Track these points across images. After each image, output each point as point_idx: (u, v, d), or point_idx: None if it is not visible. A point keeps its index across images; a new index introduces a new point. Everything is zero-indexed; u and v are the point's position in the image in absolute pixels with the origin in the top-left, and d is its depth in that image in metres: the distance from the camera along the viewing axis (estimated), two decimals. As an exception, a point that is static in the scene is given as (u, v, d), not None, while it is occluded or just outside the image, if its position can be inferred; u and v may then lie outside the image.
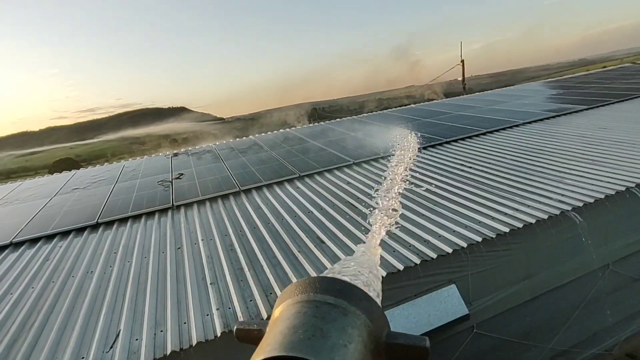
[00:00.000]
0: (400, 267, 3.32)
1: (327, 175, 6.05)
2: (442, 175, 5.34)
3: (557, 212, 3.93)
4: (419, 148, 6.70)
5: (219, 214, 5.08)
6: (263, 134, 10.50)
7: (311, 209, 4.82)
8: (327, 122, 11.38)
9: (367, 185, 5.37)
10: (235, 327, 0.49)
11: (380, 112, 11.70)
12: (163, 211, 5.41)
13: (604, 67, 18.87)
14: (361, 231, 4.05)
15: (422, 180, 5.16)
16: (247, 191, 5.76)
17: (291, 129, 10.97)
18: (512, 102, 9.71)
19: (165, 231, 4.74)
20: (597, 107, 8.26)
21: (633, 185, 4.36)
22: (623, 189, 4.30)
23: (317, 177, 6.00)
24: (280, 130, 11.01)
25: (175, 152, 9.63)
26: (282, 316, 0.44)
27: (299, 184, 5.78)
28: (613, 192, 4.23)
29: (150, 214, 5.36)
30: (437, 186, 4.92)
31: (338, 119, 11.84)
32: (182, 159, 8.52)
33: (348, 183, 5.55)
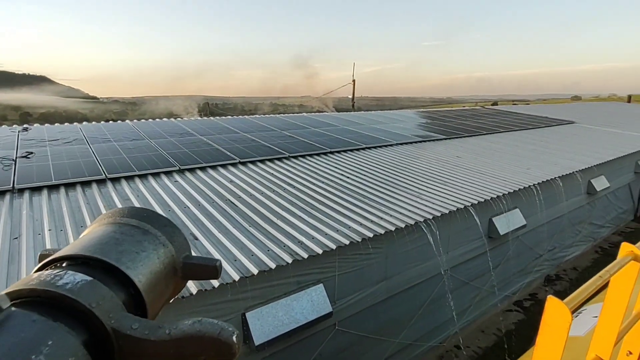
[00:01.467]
0: (273, 265, 3.38)
1: (210, 171, 5.83)
2: (321, 182, 5.64)
3: (412, 222, 4.52)
4: (303, 155, 6.96)
5: (75, 202, 4.42)
6: (144, 121, 9.55)
7: (188, 204, 4.56)
8: (219, 117, 10.98)
9: (251, 185, 5.34)
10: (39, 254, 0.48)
11: (273, 115, 11.80)
12: (-2, 194, 4.46)
13: (463, 107, 22.60)
14: (238, 229, 3.99)
15: (304, 186, 5.37)
16: (115, 180, 5.16)
17: (177, 119, 10.25)
18: (390, 124, 10.87)
19: (-2, 217, 3.91)
20: (453, 138, 9.81)
21: (469, 204, 5.29)
22: (462, 206, 5.18)
23: (199, 172, 5.72)
24: (165, 119, 10.19)
25: (25, 126, 8.08)
26: (96, 229, 0.49)
27: (177, 178, 5.42)
28: (454, 209, 5.05)
29: (-21, 196, 4.36)
30: (315, 192, 5.17)
31: (230, 116, 11.53)
32: (35, 136, 7.18)
33: (231, 181, 5.44)
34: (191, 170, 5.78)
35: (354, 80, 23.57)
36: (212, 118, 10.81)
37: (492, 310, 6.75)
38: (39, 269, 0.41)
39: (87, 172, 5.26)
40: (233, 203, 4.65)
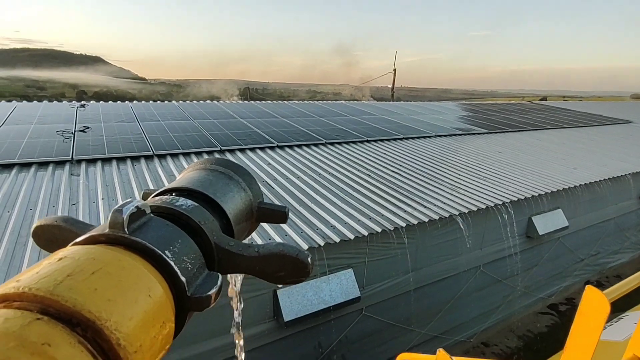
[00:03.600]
0: (305, 246, 3.50)
1: (249, 153, 6.02)
2: (357, 169, 5.68)
3: (447, 214, 4.47)
4: (340, 142, 7.01)
5: (126, 175, 4.75)
6: (189, 102, 9.97)
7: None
8: (259, 102, 11.22)
9: (287, 168, 5.47)
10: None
11: (311, 102, 11.88)
12: (59, 163, 4.87)
13: (509, 101, 21.60)
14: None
15: (339, 172, 5.43)
16: (162, 157, 5.47)
17: (219, 102, 10.58)
18: (430, 116, 10.63)
19: (59, 185, 4.29)
20: (496, 132, 9.46)
21: (508, 201, 5.14)
22: (500, 202, 5.05)
23: (239, 154, 5.93)
24: (208, 101, 10.55)
25: (83, 102, 8.66)
26: (181, 175, 0.59)
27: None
28: (492, 204, 4.93)
29: (43, 165, 4.79)
30: (350, 178, 5.23)
31: (269, 101, 11.74)
32: (91, 112, 7.70)
33: (268, 164, 5.60)
34: (231, 151, 6.01)
35: (394, 70, 23.07)
36: (252, 102, 11.06)
37: (524, 311, 6.57)
38: (157, 195, 0.51)
39: (137, 148, 5.61)
40: (269, 185, 4.81)
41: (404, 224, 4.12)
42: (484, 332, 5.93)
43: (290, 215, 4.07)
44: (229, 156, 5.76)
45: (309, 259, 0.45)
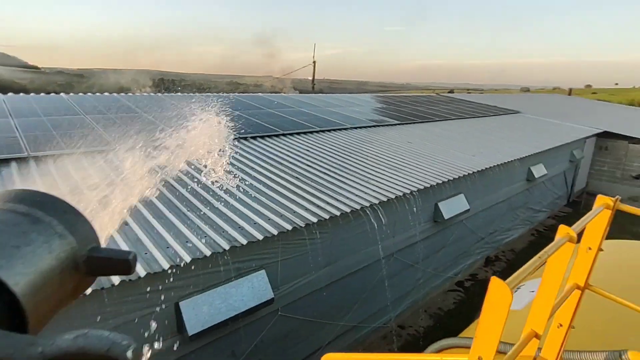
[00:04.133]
0: (208, 252, 3.23)
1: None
2: (270, 164, 5.48)
3: (358, 206, 4.52)
4: (254, 136, 6.74)
5: (-11, 182, 3.97)
6: (82, 94, 8.79)
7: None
8: (168, 94, 10.36)
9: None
10: None
11: (226, 94, 11.34)
12: None
13: (420, 93, 23.09)
14: (175, 214, 3.77)
15: (250, 168, 5.19)
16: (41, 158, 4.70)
17: (123, 94, 9.52)
18: (347, 108, 10.82)
19: None
20: (407, 124, 9.96)
21: (416, 189, 5.38)
22: (409, 191, 5.26)
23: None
24: (107, 93, 9.43)
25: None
26: None
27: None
28: (401, 194, 5.12)
29: None
30: (263, 174, 5.02)
31: (183, 93, 10.94)
32: None
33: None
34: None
35: (314, 62, 23.23)
36: (160, 94, 10.17)
37: (435, 291, 7.04)
38: None
39: (7, 149, 4.74)
40: (172, 186, 4.39)
41: (315, 220, 4.05)
42: (399, 315, 6.21)
43: (194, 218, 3.75)
44: None
45: (130, 354, 0.31)
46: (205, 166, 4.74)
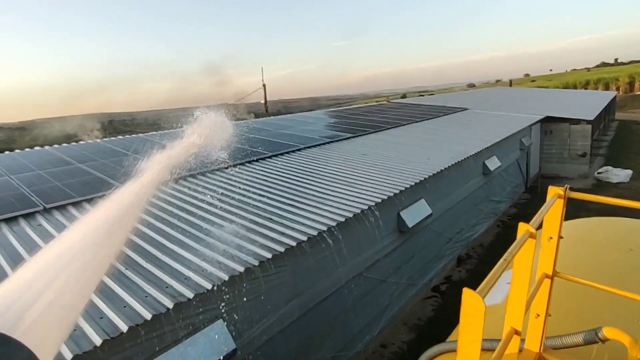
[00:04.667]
0: (149, 316, 2.86)
1: (85, 205, 5.01)
2: (217, 199, 5.16)
3: (315, 232, 4.29)
4: (202, 172, 6.39)
5: None
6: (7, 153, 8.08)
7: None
8: (108, 140, 9.79)
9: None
10: None
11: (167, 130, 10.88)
12: None
13: (377, 101, 23.55)
14: (110, 275, 3.38)
15: (195, 207, 4.84)
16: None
17: (57, 146, 8.86)
18: (299, 127, 10.70)
19: None
20: (360, 135, 9.95)
21: (373, 204, 5.24)
22: (366, 207, 5.11)
23: (71, 210, 4.87)
24: (38, 147, 8.72)
25: None
26: None
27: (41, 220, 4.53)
28: (359, 211, 4.95)
29: None
30: (210, 212, 4.69)
31: (133, 135, 10.38)
32: None
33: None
34: (59, 207, 4.89)
35: (264, 85, 23.18)
36: (97, 141, 9.57)
37: (412, 301, 6.88)
38: None
39: None
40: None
41: (270, 255, 3.77)
42: (379, 334, 5.97)
43: (130, 274, 3.36)
44: (56, 215, 4.66)
45: None
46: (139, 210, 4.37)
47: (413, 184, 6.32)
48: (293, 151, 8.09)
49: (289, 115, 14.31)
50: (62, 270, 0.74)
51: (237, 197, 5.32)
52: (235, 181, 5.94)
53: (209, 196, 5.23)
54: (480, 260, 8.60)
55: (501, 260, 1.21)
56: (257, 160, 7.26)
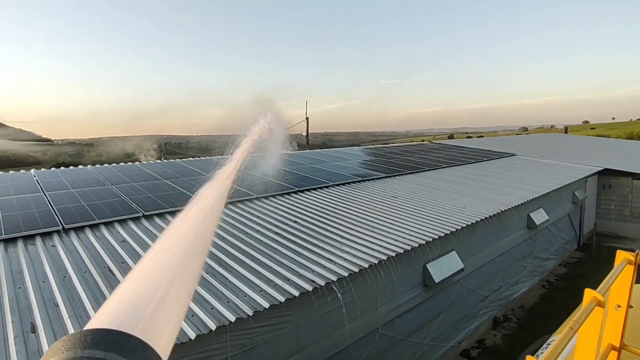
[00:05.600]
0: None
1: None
2: (231, 236, 4.98)
3: (323, 282, 3.93)
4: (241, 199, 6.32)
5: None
6: (105, 165, 8.85)
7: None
8: (183, 160, 10.30)
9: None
10: None
11: (207, 158, 11.16)
12: None
13: (421, 140, 23.08)
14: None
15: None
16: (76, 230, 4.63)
17: (138, 163, 9.48)
18: (332, 163, 10.53)
19: None
20: (394, 176, 9.56)
21: (393, 254, 4.80)
22: (385, 258, 4.68)
23: (158, 220, 4.94)
24: (122, 163, 9.41)
25: None
26: None
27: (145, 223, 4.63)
28: (376, 262, 4.54)
29: None
30: (221, 248, 4.51)
31: (188, 158, 10.92)
32: None
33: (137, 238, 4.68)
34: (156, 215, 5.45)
35: (307, 118, 23.61)
36: (174, 160, 10.22)
37: (436, 366, 6.16)
38: None
39: (42, 223, 4.79)
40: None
41: (267, 305, 3.47)
42: (394, 401, 5.33)
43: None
44: (156, 221, 4.99)
45: None
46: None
47: (443, 234, 5.81)
48: (321, 187, 7.86)
49: (324, 150, 14.24)
50: (171, 273, 0.76)
51: (250, 232, 5.13)
52: (250, 216, 5.78)
53: (222, 231, 5.09)
54: (520, 325, 7.65)
55: (566, 329, 1.13)
56: (281, 195, 7.11)
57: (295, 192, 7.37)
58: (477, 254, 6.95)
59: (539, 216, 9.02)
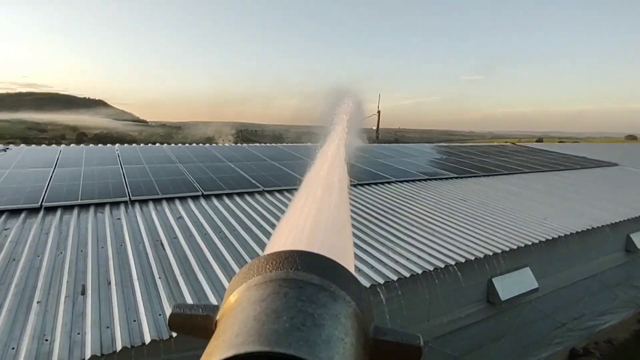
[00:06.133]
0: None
1: (236, 198, 5.30)
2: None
3: (368, 284, 3.62)
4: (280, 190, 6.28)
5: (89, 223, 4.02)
6: (178, 145, 9.76)
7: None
8: (251, 144, 10.80)
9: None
10: (170, 313, 0.40)
11: (273, 145, 11.32)
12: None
13: (505, 142, 21.23)
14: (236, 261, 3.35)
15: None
16: (141, 202, 5.13)
17: (209, 144, 10.18)
18: (398, 159, 10.00)
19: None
20: (466, 177, 8.77)
21: (453, 263, 4.31)
22: (443, 265, 4.21)
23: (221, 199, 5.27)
24: (195, 144, 10.13)
25: (5, 147, 8.06)
26: (249, 298, 0.35)
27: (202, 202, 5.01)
28: (432, 268, 4.10)
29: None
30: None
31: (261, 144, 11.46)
32: (74, 155, 7.37)
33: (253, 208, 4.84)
34: (214, 196, 5.72)
35: (379, 112, 22.98)
36: (242, 145, 10.76)
37: (494, 392, 5.50)
38: None
39: (113, 193, 5.26)
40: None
41: None
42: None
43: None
44: (213, 201, 5.29)
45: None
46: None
47: (516, 247, 5.11)
48: (382, 183, 7.47)
49: (393, 144, 13.67)
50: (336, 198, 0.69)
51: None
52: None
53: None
54: (605, 362, 6.54)
55: None
56: (340, 187, 6.87)
57: (354, 186, 7.08)
58: (557, 274, 6.03)
59: (643, 238, 7.59)
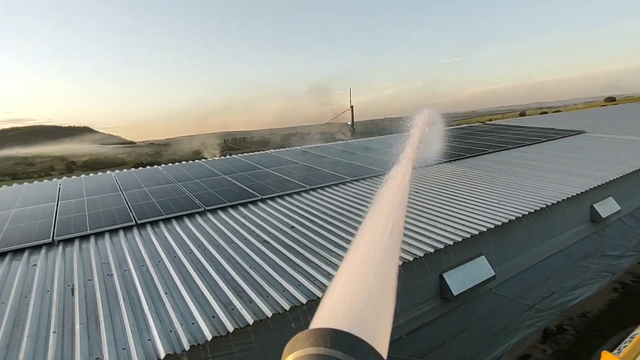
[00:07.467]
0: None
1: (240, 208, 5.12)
2: (277, 229, 4.72)
3: (286, 306, 3.46)
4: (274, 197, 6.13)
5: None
6: (173, 164, 9.82)
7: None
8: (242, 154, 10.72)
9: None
10: None
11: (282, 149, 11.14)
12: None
13: (490, 119, 21.16)
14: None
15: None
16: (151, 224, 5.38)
17: (202, 160, 10.11)
18: (361, 154, 9.86)
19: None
20: (424, 166, 8.59)
21: (400, 263, 4.15)
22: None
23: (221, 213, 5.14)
24: (190, 161, 10.06)
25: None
26: None
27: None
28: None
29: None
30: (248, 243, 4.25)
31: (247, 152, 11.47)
32: (75, 187, 7.40)
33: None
34: (216, 210, 5.92)
35: (351, 107, 22.88)
36: (234, 156, 10.66)
37: (464, 387, 5.38)
38: None
39: (119, 219, 5.41)
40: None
41: (251, 321, 3.11)
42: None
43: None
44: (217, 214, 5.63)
45: None
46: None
47: (469, 236, 5.00)
48: (337, 184, 7.32)
49: (374, 137, 13.55)
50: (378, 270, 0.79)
51: (301, 224, 4.81)
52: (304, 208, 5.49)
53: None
54: (577, 338, 6.44)
55: None
56: (290, 196, 6.71)
57: (305, 191, 6.92)
58: (518, 257, 5.92)
59: (607, 207, 7.52)
